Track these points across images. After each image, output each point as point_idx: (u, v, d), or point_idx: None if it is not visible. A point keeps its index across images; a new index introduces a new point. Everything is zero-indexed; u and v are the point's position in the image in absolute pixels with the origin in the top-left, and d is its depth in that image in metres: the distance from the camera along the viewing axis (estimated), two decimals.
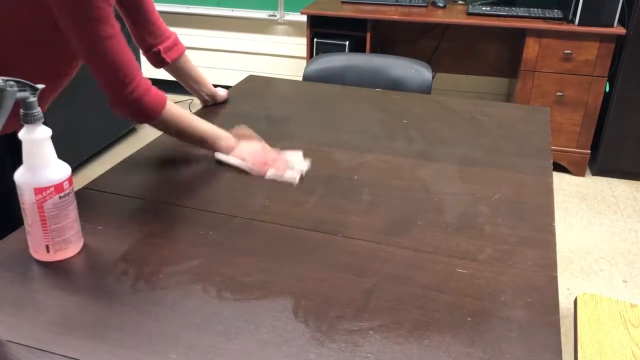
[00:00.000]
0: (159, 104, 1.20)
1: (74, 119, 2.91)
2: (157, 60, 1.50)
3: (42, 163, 0.94)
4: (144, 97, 1.17)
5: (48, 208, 0.95)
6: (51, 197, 0.95)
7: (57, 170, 0.95)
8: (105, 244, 1.03)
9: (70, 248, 1.00)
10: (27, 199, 0.94)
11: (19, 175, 0.94)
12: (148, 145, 1.43)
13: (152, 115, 1.20)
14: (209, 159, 1.35)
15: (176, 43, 1.52)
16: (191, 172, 1.30)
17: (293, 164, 1.31)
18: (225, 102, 1.72)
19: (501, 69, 3.33)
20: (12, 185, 0.96)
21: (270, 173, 1.27)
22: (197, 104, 1.71)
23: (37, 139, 0.92)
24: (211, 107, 1.68)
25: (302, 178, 1.26)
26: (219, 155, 1.32)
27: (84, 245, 1.03)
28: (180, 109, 1.26)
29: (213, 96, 1.68)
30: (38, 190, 0.94)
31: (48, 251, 0.98)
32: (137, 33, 1.45)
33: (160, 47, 1.47)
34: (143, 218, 1.12)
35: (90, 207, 1.14)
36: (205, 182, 1.26)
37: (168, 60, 1.49)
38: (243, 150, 1.33)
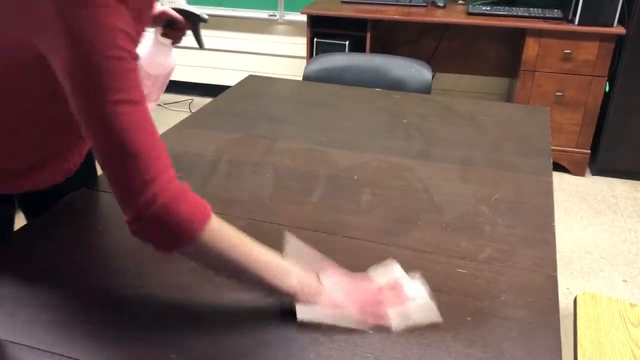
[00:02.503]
0: (196, 219, 0.76)
1: None
2: None
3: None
4: (170, 206, 0.74)
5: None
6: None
7: None
8: (105, 244, 1.03)
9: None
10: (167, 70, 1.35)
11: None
12: None
13: (184, 237, 0.76)
14: (209, 159, 1.35)
15: None
16: (191, 171, 1.30)
17: (413, 296, 0.89)
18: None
19: (501, 69, 3.33)
20: None
21: (397, 321, 0.85)
22: (197, 103, 1.70)
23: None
24: (208, 106, 1.68)
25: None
26: (302, 312, 0.84)
27: (84, 245, 1.03)
28: (229, 227, 0.81)
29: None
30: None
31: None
32: None
33: None
34: None
35: (90, 207, 1.14)
36: (205, 181, 1.26)
37: None
38: (333, 292, 0.86)
